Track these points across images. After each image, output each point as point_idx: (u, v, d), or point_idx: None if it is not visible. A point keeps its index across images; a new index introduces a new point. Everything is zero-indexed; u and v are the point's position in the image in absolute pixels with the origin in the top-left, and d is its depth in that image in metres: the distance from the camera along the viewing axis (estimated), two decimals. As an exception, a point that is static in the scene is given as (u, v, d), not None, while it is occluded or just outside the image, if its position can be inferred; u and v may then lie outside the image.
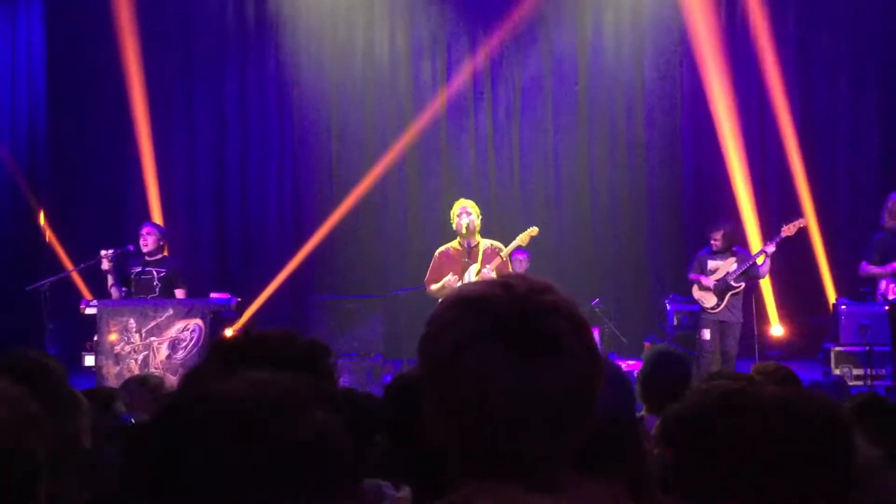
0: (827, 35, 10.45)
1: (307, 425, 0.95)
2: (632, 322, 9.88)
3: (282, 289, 10.38)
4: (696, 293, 7.66)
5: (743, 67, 10.44)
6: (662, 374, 3.44)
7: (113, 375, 6.52)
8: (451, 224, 6.75)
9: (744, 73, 10.43)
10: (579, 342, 1.06)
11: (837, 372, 7.99)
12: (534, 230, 6.88)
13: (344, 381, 7.76)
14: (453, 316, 1.07)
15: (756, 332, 8.08)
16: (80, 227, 10.18)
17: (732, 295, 7.50)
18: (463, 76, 10.75)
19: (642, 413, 3.38)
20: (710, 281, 7.53)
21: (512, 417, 1.02)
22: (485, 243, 6.68)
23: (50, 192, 10.32)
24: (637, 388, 3.52)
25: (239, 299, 7.46)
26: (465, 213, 6.62)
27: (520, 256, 8.65)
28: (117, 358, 6.64)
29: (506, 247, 6.67)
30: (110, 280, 7.08)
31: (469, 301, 1.07)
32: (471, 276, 6.53)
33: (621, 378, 1.95)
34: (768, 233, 8.61)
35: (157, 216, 10.10)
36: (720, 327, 7.51)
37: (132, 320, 6.68)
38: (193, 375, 1.46)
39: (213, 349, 1.51)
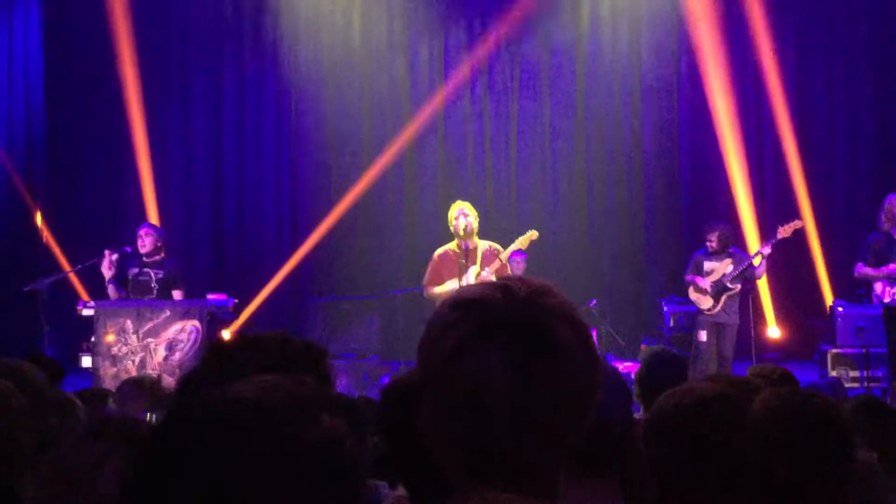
0: (824, 30, 10.47)
1: (317, 430, 0.92)
2: (629, 323, 9.90)
3: (279, 290, 10.36)
4: (693, 295, 7.65)
5: (740, 62, 10.45)
6: (658, 376, 3.45)
7: (110, 376, 6.49)
8: (448, 226, 6.73)
9: (740, 67, 10.44)
10: (579, 345, 1.06)
11: (834, 374, 8.00)
12: (533, 234, 6.83)
13: (341, 382, 7.75)
14: (453, 318, 1.07)
15: (753, 334, 8.07)
16: (78, 228, 10.18)
17: (729, 296, 7.49)
18: (460, 76, 10.74)
19: (640, 415, 3.38)
20: (706, 282, 7.52)
21: (510, 420, 1.02)
22: (483, 245, 6.66)
23: (47, 193, 10.29)
24: (634, 389, 3.53)
25: (236, 301, 7.45)
26: (463, 214, 6.59)
27: (517, 257, 8.63)
28: (114, 359, 6.63)
29: (504, 249, 6.67)
30: (107, 276, 7.00)
31: (468, 303, 1.07)
32: (470, 277, 6.50)
33: (618, 380, 1.95)
34: (765, 234, 8.61)
35: (154, 217, 10.08)
36: (717, 329, 7.50)
37: (129, 321, 6.66)
38: (190, 378, 1.45)
39: (208, 351, 1.50)
